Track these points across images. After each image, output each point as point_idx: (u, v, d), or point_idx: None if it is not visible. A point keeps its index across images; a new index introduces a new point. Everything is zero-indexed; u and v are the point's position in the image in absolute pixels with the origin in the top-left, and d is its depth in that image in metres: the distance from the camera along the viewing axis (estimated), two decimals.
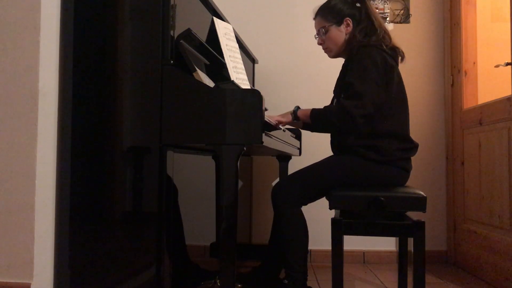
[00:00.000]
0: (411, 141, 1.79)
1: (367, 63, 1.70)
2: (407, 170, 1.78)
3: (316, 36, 1.93)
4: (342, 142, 1.80)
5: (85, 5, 1.50)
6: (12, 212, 1.45)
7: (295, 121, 1.86)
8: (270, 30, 2.88)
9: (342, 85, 1.81)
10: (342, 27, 1.85)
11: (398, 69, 1.81)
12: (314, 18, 1.93)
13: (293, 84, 2.85)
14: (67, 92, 1.49)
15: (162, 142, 1.38)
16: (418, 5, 2.86)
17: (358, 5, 1.85)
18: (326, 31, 1.87)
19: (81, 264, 1.44)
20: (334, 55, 1.94)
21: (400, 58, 1.85)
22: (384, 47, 1.76)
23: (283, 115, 1.86)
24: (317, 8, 1.92)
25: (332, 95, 1.99)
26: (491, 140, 2.29)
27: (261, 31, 2.88)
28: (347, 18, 1.84)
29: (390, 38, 1.81)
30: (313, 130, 1.98)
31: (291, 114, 1.84)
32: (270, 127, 1.57)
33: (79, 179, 1.47)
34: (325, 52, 1.95)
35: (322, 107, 1.79)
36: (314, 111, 1.78)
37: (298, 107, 1.85)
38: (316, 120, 1.77)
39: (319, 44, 1.93)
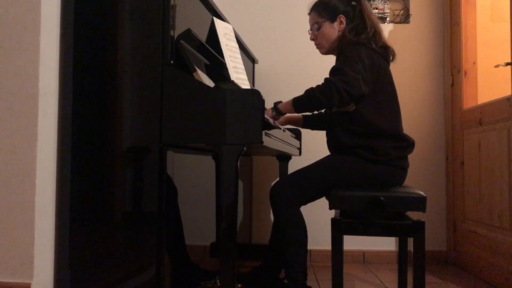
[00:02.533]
0: (406, 139, 1.79)
1: (353, 55, 1.70)
2: (404, 168, 1.78)
3: (310, 31, 1.94)
4: (337, 142, 1.80)
5: (85, 5, 1.50)
6: (12, 212, 1.45)
7: (277, 115, 1.78)
8: (270, 30, 2.88)
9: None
10: (335, 24, 1.86)
11: (388, 68, 1.82)
12: (309, 14, 1.94)
13: (293, 84, 2.85)
14: (67, 92, 1.49)
15: (162, 142, 1.38)
16: (418, 5, 2.86)
17: (353, 3, 1.85)
18: (319, 27, 1.88)
19: (81, 264, 1.44)
20: (325, 52, 1.94)
21: (391, 57, 1.85)
22: (374, 45, 1.76)
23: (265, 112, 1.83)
24: (312, 4, 1.93)
25: None
26: (491, 140, 2.29)
27: (261, 31, 2.88)
28: (341, 15, 1.84)
29: (380, 37, 1.81)
30: (307, 124, 1.94)
31: (272, 109, 1.79)
32: (269, 127, 1.57)
33: (79, 179, 1.47)
34: (317, 48, 1.95)
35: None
36: (296, 97, 1.73)
37: (279, 102, 1.80)
38: (300, 103, 1.71)
39: (312, 39, 1.94)
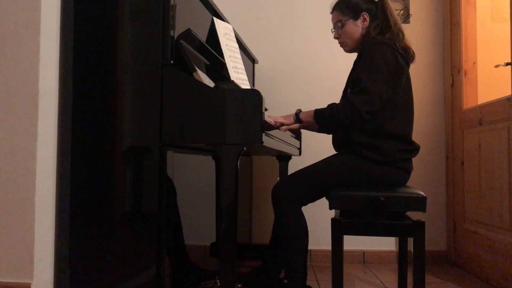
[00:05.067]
0: (412, 143, 1.78)
1: (378, 59, 1.70)
2: (407, 171, 1.78)
3: (333, 30, 1.92)
4: (343, 139, 1.80)
5: (85, 5, 1.50)
6: (12, 211, 1.45)
7: (298, 123, 1.82)
8: (270, 30, 2.88)
9: (351, 79, 1.80)
10: (359, 22, 1.84)
11: (407, 71, 1.80)
12: (331, 12, 1.92)
13: (293, 84, 2.85)
14: (67, 92, 1.49)
15: (162, 142, 1.38)
16: (418, 5, 2.86)
17: (376, 0, 1.84)
18: (343, 25, 1.86)
19: (81, 264, 1.44)
20: (349, 50, 1.93)
21: (411, 58, 1.84)
22: (397, 45, 1.76)
23: (285, 117, 1.84)
24: (334, 2, 1.91)
25: (335, 93, 1.98)
26: (491, 140, 2.29)
27: (261, 31, 2.88)
28: (364, 12, 1.83)
29: (403, 37, 1.80)
30: (322, 130, 1.95)
31: (294, 117, 1.82)
32: (270, 127, 1.57)
33: (79, 179, 1.47)
34: (341, 46, 1.94)
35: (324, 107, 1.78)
36: (318, 111, 1.76)
37: (300, 110, 1.83)
38: (321, 119, 1.75)
39: (335, 38, 1.92)
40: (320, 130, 1.97)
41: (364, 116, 1.67)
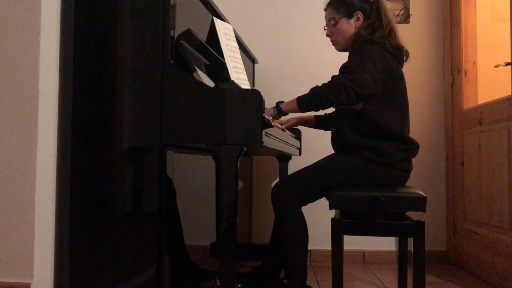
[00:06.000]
0: (411, 141, 1.78)
1: (365, 56, 1.69)
2: (407, 171, 1.78)
3: (325, 27, 1.91)
4: (343, 139, 1.79)
5: (85, 5, 1.50)
6: (12, 212, 1.45)
7: (279, 114, 1.77)
8: (270, 30, 2.88)
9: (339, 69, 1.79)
10: (352, 21, 1.83)
11: (401, 70, 1.79)
12: (325, 9, 1.91)
13: (293, 84, 2.85)
14: (67, 92, 1.49)
15: (162, 142, 1.38)
16: (418, 5, 2.86)
17: (371, 0, 1.84)
18: (336, 23, 1.85)
19: (81, 264, 1.44)
20: (341, 48, 1.91)
21: (405, 58, 1.83)
22: (388, 44, 1.75)
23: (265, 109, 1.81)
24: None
25: None
26: (491, 140, 2.29)
27: (261, 31, 2.88)
28: (358, 12, 1.82)
29: (396, 36, 1.79)
30: (318, 125, 1.93)
31: (273, 108, 1.77)
32: (270, 125, 1.56)
33: (79, 179, 1.47)
34: (333, 44, 1.92)
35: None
36: (300, 96, 1.71)
37: (282, 101, 1.79)
38: (305, 102, 1.69)
39: (328, 35, 1.91)
40: (317, 124, 1.95)
41: (349, 91, 1.60)
